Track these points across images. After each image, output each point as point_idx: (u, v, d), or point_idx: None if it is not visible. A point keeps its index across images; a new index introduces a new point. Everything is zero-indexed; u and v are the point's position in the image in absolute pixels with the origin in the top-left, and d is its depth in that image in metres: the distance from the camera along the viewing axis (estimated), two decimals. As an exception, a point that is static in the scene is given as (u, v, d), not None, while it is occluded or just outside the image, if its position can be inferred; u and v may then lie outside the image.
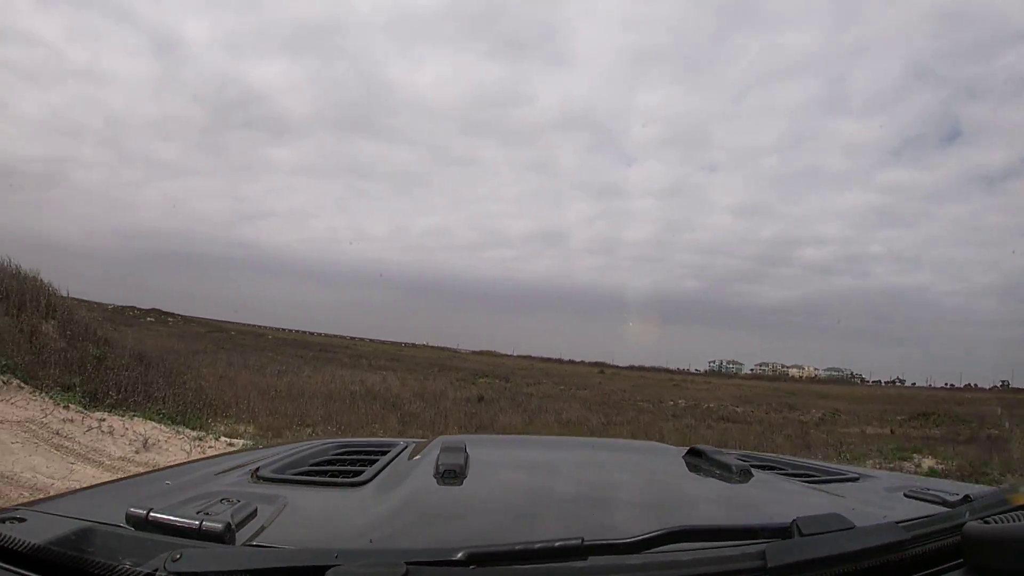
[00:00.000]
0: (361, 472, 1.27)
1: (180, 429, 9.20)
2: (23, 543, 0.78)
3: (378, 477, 1.24)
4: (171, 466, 1.58)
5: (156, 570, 0.71)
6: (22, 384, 9.05)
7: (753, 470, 1.34)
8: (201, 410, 10.85)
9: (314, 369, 20.83)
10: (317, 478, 1.29)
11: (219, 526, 0.79)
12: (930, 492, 1.19)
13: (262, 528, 0.89)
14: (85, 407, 9.09)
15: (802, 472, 1.51)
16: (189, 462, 1.52)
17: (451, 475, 1.17)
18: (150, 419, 9.35)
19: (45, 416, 8.39)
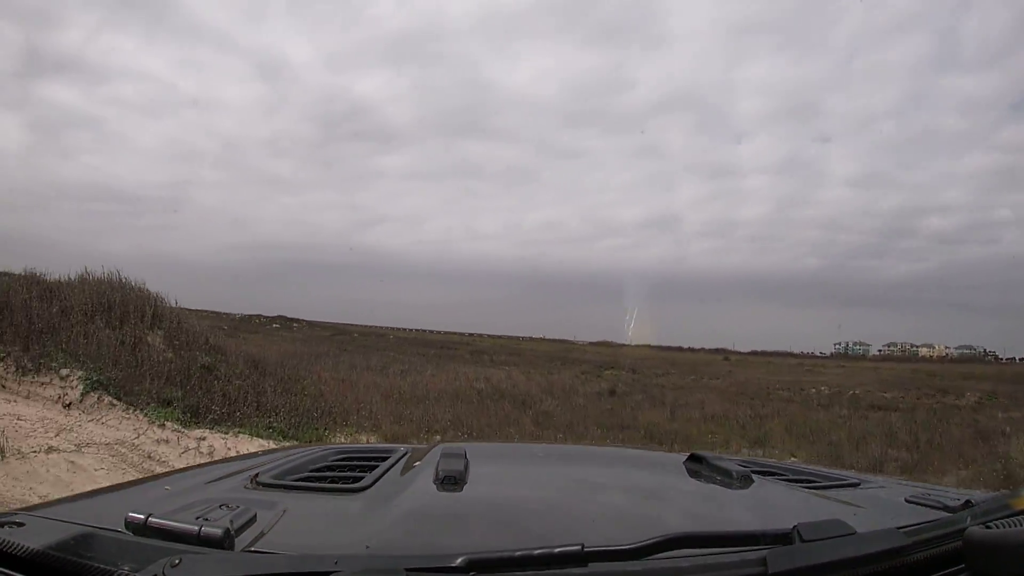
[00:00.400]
0: (361, 478, 1.25)
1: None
2: (22, 548, 0.78)
3: (378, 483, 1.22)
4: (171, 472, 1.60)
5: (155, 575, 0.70)
6: (115, 401, 8.43)
7: (754, 476, 1.32)
8: (319, 419, 9.96)
9: (436, 367, 20.05)
10: (317, 484, 1.27)
11: (218, 532, 0.79)
12: (931, 497, 1.18)
13: (261, 534, 0.89)
14: (184, 424, 8.35)
15: (803, 478, 1.51)
16: (189, 468, 1.61)
17: (451, 482, 1.16)
18: (257, 435, 8.56)
19: (138, 436, 7.62)
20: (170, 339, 10.93)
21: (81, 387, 8.35)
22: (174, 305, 12.17)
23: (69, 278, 11.20)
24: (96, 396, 8.22)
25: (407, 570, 0.69)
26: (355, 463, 1.46)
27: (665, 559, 0.78)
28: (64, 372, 8.63)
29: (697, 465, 1.45)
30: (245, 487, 1.20)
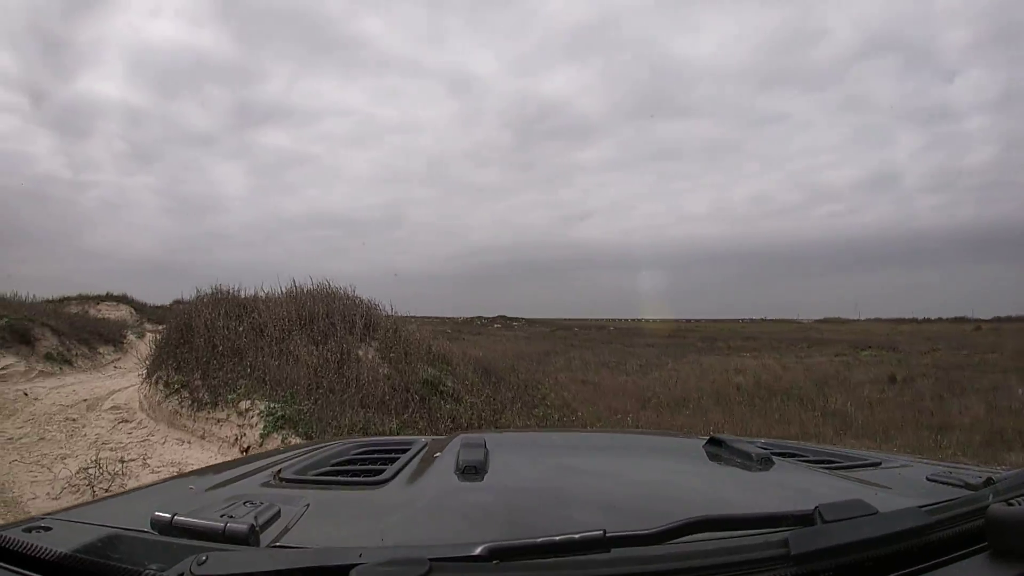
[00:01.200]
0: (382, 471, 1.24)
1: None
2: (50, 551, 0.78)
3: (399, 475, 1.22)
4: (194, 471, 1.53)
5: (182, 574, 0.70)
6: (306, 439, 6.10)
7: (774, 458, 1.31)
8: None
9: (674, 360, 17.88)
10: (339, 478, 1.27)
11: (243, 528, 0.80)
12: (953, 476, 1.16)
13: (286, 529, 0.88)
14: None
15: (824, 459, 1.47)
16: (212, 466, 1.53)
17: (472, 471, 1.17)
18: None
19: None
20: (385, 351, 8.54)
21: (262, 425, 6.12)
22: (389, 312, 9.88)
23: (265, 293, 9.24)
24: (280, 437, 5.89)
25: (431, 560, 0.69)
26: (376, 456, 1.45)
27: (687, 543, 0.76)
28: (244, 405, 6.40)
29: (717, 448, 1.43)
30: (268, 484, 1.20)
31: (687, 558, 0.74)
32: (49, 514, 0.97)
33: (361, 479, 1.22)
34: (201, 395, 6.87)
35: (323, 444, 1.64)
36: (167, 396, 7.23)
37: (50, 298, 19.58)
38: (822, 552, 0.73)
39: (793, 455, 1.48)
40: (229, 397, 6.58)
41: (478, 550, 0.70)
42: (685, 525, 0.76)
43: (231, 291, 9.06)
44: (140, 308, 23.69)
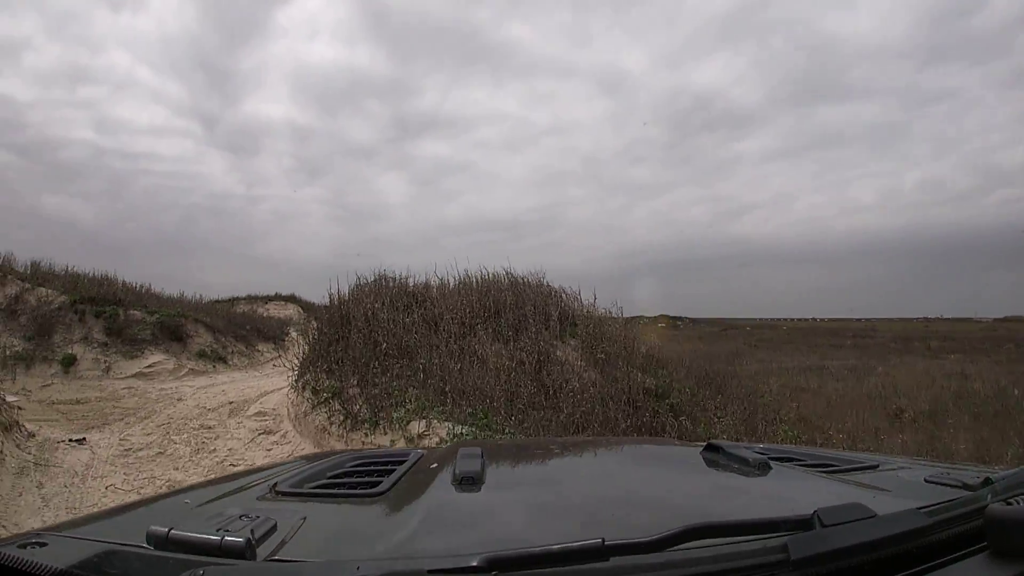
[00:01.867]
0: (379, 483, 1.24)
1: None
2: (46, 567, 0.77)
3: (396, 487, 1.22)
4: (191, 486, 1.43)
5: None
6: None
7: (771, 463, 1.29)
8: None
9: (879, 362, 15.15)
10: (335, 491, 1.27)
11: (240, 542, 0.79)
12: (951, 476, 1.16)
13: (282, 543, 0.87)
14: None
15: (821, 462, 1.47)
16: (209, 481, 1.50)
17: (469, 482, 1.16)
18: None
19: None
20: (589, 352, 6.40)
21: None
22: (589, 303, 7.78)
23: (439, 280, 7.34)
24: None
25: (428, 571, 0.69)
26: (372, 468, 1.44)
27: (686, 550, 0.76)
28: (416, 428, 4.47)
29: (714, 455, 1.41)
30: (265, 497, 1.19)
31: (686, 565, 0.74)
32: (45, 529, 0.97)
33: (357, 491, 1.21)
34: (358, 408, 5.08)
35: (319, 456, 1.66)
36: (315, 406, 5.56)
37: (218, 298, 19.70)
38: (822, 556, 0.74)
39: (791, 459, 1.47)
40: (395, 415, 4.68)
41: (475, 561, 0.70)
42: (684, 532, 0.76)
43: (397, 278, 7.24)
44: (308, 307, 22.17)
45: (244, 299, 22.91)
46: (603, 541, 0.72)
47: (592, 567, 0.72)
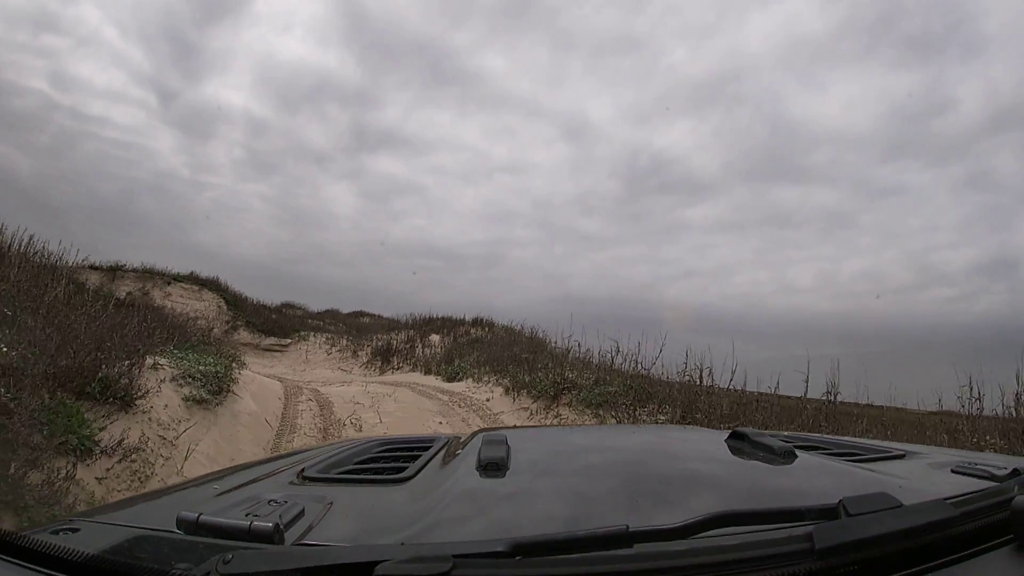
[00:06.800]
0: (404, 468, 1.27)
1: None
2: (78, 553, 0.78)
3: (421, 473, 1.24)
4: (219, 472, 1.47)
5: (208, 573, 0.70)
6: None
7: (797, 451, 1.28)
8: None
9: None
10: (362, 476, 1.29)
11: (268, 527, 0.79)
12: (978, 467, 1.15)
13: (310, 527, 0.89)
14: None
15: (847, 451, 1.48)
16: (236, 467, 1.52)
17: (493, 468, 1.16)
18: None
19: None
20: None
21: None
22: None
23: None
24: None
25: (454, 556, 0.67)
26: (398, 454, 1.46)
27: (710, 537, 0.75)
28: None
29: (739, 442, 1.40)
30: (292, 483, 1.20)
31: (710, 552, 0.72)
32: (77, 515, 0.98)
33: (384, 477, 1.23)
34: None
35: (346, 443, 1.65)
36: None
37: (89, 263, 14.01)
38: (846, 546, 0.72)
39: (816, 448, 1.48)
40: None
41: (500, 546, 0.70)
42: (708, 519, 0.76)
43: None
44: (236, 301, 18.15)
45: (132, 272, 16.94)
46: (627, 527, 0.72)
47: (616, 553, 0.71)
